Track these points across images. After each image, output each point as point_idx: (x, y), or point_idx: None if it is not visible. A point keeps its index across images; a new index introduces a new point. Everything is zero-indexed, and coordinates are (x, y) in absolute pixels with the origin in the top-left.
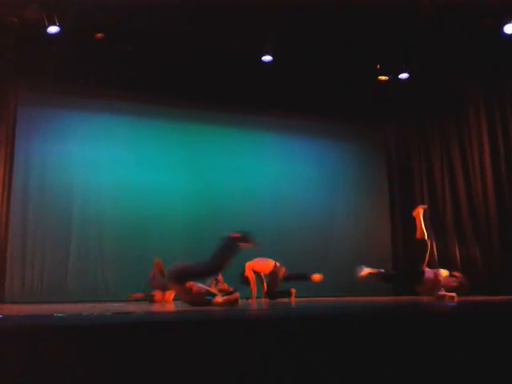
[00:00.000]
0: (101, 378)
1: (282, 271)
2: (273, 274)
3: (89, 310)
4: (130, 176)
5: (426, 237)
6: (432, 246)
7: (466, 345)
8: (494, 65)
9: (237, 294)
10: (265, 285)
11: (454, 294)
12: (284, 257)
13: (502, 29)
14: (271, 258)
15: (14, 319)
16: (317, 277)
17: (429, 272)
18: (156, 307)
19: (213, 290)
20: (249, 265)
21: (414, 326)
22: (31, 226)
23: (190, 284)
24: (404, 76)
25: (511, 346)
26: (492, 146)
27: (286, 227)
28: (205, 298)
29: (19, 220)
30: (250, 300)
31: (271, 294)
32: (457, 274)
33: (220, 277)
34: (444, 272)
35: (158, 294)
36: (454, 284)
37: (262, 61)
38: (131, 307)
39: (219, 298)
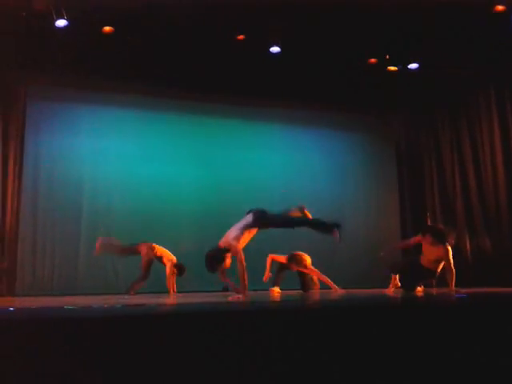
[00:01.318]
0: (111, 369)
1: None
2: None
3: (99, 303)
4: (139, 169)
5: None
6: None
7: (475, 337)
8: (505, 54)
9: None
10: None
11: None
12: (293, 248)
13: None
14: (280, 249)
15: (24, 312)
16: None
17: None
18: (167, 299)
19: None
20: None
21: (422, 319)
22: (41, 219)
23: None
24: (413, 66)
25: None
26: (503, 135)
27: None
28: None
29: (29, 213)
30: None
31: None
32: None
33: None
34: None
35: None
36: None
37: (270, 52)
38: (142, 299)
39: None
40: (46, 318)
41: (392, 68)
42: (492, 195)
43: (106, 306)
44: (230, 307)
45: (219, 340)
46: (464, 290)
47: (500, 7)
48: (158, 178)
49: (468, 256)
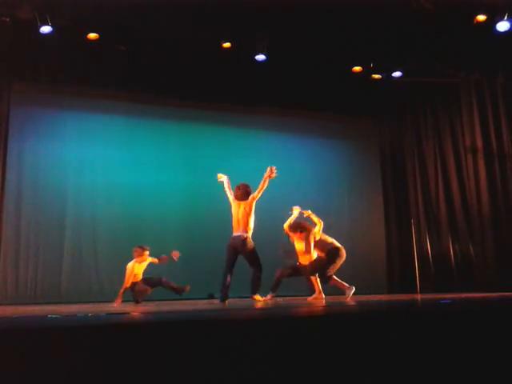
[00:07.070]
0: (96, 379)
1: None
2: None
3: (83, 311)
4: (124, 176)
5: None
6: (426, 243)
7: (459, 342)
8: (487, 61)
9: None
10: None
11: None
12: (279, 256)
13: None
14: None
15: (8, 320)
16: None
17: None
18: (151, 307)
19: None
20: None
21: (408, 325)
22: (25, 227)
23: None
24: (397, 74)
25: (506, 341)
26: (485, 143)
27: (281, 226)
28: None
29: (13, 220)
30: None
31: None
32: None
33: None
34: None
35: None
36: None
37: (256, 60)
38: (126, 308)
39: None
40: (30, 327)
41: (376, 76)
42: (475, 201)
43: (90, 314)
44: (215, 315)
45: (205, 349)
46: (448, 296)
47: (481, 17)
48: (143, 185)
49: (451, 261)
